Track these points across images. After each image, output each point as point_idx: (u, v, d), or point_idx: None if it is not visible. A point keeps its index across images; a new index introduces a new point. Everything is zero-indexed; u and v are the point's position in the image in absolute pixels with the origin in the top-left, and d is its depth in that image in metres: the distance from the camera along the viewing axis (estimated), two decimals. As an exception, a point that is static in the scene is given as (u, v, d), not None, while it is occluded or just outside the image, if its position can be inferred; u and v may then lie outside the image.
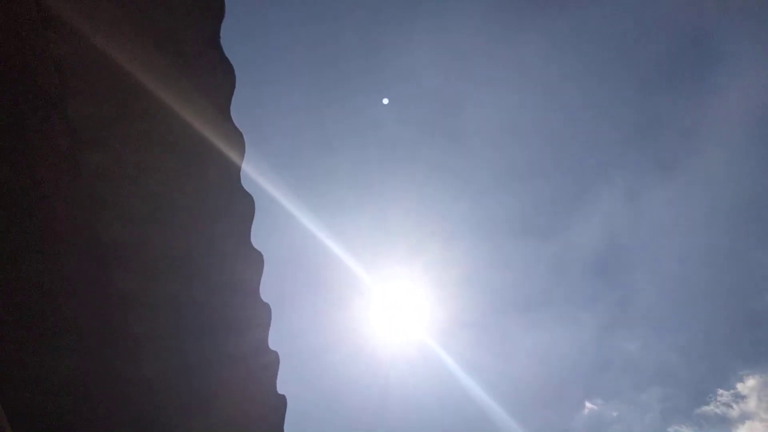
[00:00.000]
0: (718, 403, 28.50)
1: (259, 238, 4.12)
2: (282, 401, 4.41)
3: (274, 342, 4.46)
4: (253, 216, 3.73)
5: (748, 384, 28.77)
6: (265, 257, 4.09)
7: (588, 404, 30.19)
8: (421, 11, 24.49)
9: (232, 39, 3.45)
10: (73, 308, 3.93)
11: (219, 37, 3.32)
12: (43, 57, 3.27)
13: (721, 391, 28.67)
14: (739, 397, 28.33)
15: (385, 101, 24.18)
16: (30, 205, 3.62)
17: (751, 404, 28.20)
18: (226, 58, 3.35)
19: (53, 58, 3.28)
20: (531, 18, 25.68)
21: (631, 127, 29.20)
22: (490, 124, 27.73)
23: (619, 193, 29.77)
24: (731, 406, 28.15)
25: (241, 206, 3.70)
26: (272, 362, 4.24)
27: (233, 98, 3.49)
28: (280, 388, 4.69)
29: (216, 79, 3.39)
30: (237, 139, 3.53)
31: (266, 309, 4.08)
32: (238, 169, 3.64)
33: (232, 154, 3.54)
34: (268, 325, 4.11)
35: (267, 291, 4.29)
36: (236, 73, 3.38)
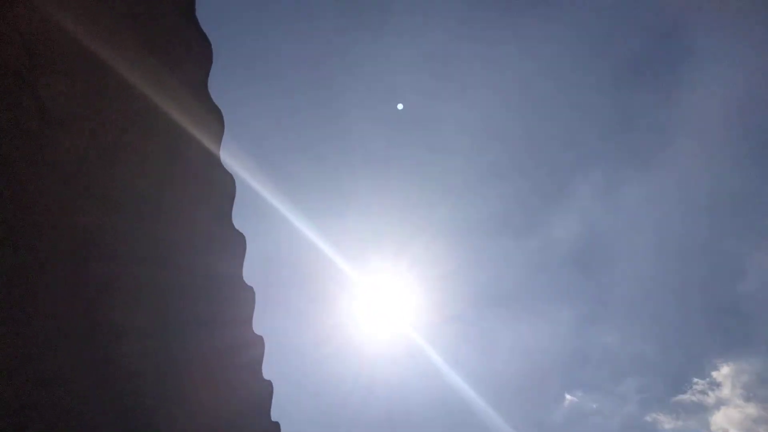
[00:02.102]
0: (694, 391, 28.85)
1: (245, 235, 3.94)
2: (268, 386, 4.23)
3: (264, 337, 4.29)
4: (234, 195, 3.56)
5: (723, 372, 29.13)
6: (251, 255, 3.92)
7: (568, 396, 30.21)
8: (395, 12, 24.44)
9: (208, 12, 3.29)
10: (51, 298, 3.72)
11: (194, 10, 3.16)
12: (11, 34, 3.06)
13: (696, 379, 28.99)
14: (715, 385, 28.66)
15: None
16: (1, 191, 3.40)
17: (726, 391, 28.58)
18: (203, 32, 3.19)
19: (22, 35, 3.08)
20: (504, 19, 25.74)
21: (606, 123, 29.40)
22: (468, 126, 27.72)
23: (595, 189, 29.96)
24: (707, 394, 28.48)
25: (221, 185, 3.51)
26: (257, 346, 4.06)
27: (211, 74, 3.33)
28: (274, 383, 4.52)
29: (193, 54, 3.22)
30: (215, 115, 3.35)
31: (250, 291, 3.90)
32: (217, 147, 3.46)
33: (210, 131, 3.36)
34: (253, 306, 3.93)
35: (254, 287, 4.12)
36: (214, 47, 3.22)
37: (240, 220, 3.80)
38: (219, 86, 3.49)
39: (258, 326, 4.13)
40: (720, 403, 28.18)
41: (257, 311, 4.10)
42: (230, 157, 3.60)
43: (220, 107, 3.63)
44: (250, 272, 3.97)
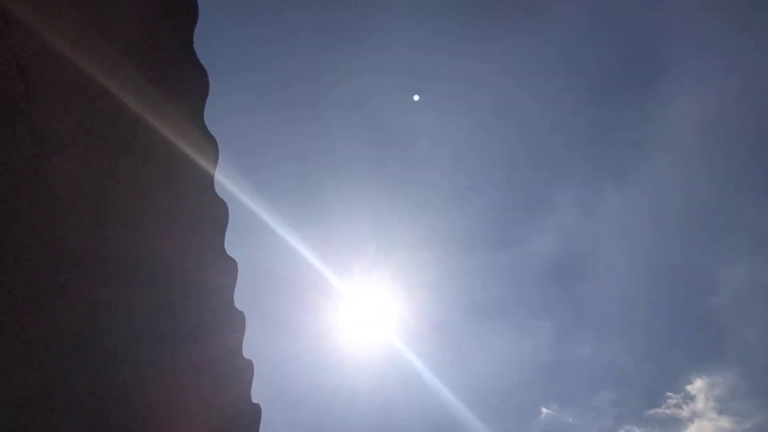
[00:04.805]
0: (668, 404, 28.97)
1: (231, 244, 3.92)
2: (257, 410, 4.18)
3: (246, 347, 4.25)
4: (226, 223, 3.51)
5: (696, 385, 29.30)
6: (238, 265, 3.89)
7: (544, 410, 29.92)
8: (374, 28, 24.64)
9: (206, 44, 3.28)
10: (39, 318, 3.64)
11: (192, 41, 3.14)
12: (6, 60, 3.02)
13: (670, 393, 29.12)
14: (689, 398, 28.85)
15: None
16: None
17: (700, 405, 28.79)
18: (200, 62, 3.17)
19: (17, 61, 3.04)
20: (482, 35, 26.06)
21: (582, 138, 29.86)
22: (447, 139, 28.01)
23: (572, 203, 30.27)
24: (681, 407, 28.61)
25: (214, 213, 3.47)
26: (247, 371, 4.01)
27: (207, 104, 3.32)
28: (253, 394, 4.46)
29: (189, 84, 3.19)
30: (210, 145, 3.32)
31: (240, 317, 3.85)
32: (211, 176, 3.42)
33: (205, 161, 3.32)
34: (243, 332, 3.87)
35: (239, 297, 4.09)
36: (210, 78, 3.21)
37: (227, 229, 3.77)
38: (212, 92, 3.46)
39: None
40: (694, 416, 28.41)
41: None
42: (219, 169, 3.58)
43: (214, 132, 3.63)
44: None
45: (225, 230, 3.59)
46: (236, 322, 3.77)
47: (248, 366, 3.92)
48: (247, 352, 4.16)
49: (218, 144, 3.39)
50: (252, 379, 4.01)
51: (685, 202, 28.89)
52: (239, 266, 3.85)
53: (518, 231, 30.83)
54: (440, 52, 25.10)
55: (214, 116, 3.40)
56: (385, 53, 24.49)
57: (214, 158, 3.38)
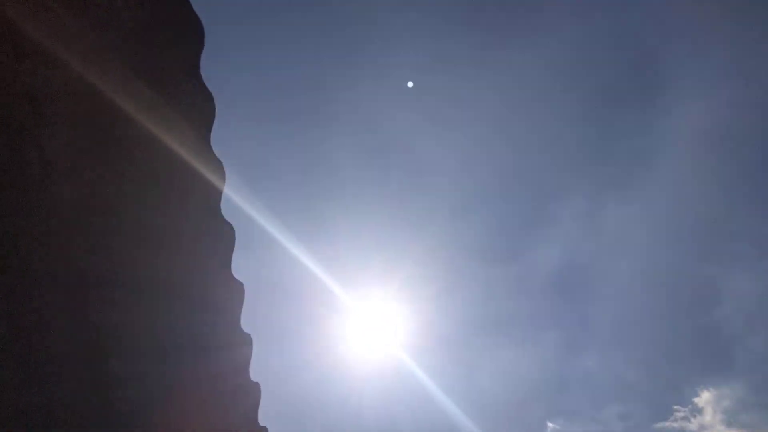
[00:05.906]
0: (676, 417, 28.36)
1: (237, 258, 3.88)
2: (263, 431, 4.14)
3: (253, 364, 4.20)
4: (233, 245, 3.49)
5: (704, 397, 28.68)
6: (245, 278, 3.85)
7: (550, 424, 29.28)
8: (377, 43, 24.82)
9: (212, 69, 3.30)
10: (46, 339, 3.63)
11: (199, 66, 3.16)
12: (14, 87, 3.05)
13: (677, 406, 28.58)
14: (696, 411, 28.22)
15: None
16: (1, 240, 3.34)
17: (708, 417, 28.16)
18: (206, 87, 3.18)
19: (26, 87, 3.06)
20: (487, 49, 26.19)
21: (586, 150, 29.85)
22: (452, 154, 28.07)
23: (576, 215, 30.03)
24: (689, 420, 27.95)
25: (221, 235, 3.44)
26: (254, 393, 3.96)
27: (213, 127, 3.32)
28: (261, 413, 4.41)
29: (196, 108, 3.18)
30: (217, 168, 3.31)
31: (247, 338, 3.82)
32: (218, 199, 3.41)
33: (212, 184, 3.31)
34: (249, 353, 3.84)
35: (247, 314, 4.05)
36: (216, 102, 3.21)
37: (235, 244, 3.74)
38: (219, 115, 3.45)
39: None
40: (702, 429, 27.87)
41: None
42: (227, 186, 3.57)
43: (218, 148, 3.63)
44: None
45: (232, 253, 3.56)
46: (242, 341, 3.75)
47: (255, 388, 3.88)
48: (254, 369, 4.12)
49: (224, 159, 3.40)
50: (259, 401, 3.96)
51: (687, 213, 28.68)
52: (246, 281, 3.83)
53: (523, 244, 30.65)
54: (446, 65, 25.24)
55: (217, 132, 3.41)
56: (393, 66, 24.63)
57: (221, 181, 3.37)
